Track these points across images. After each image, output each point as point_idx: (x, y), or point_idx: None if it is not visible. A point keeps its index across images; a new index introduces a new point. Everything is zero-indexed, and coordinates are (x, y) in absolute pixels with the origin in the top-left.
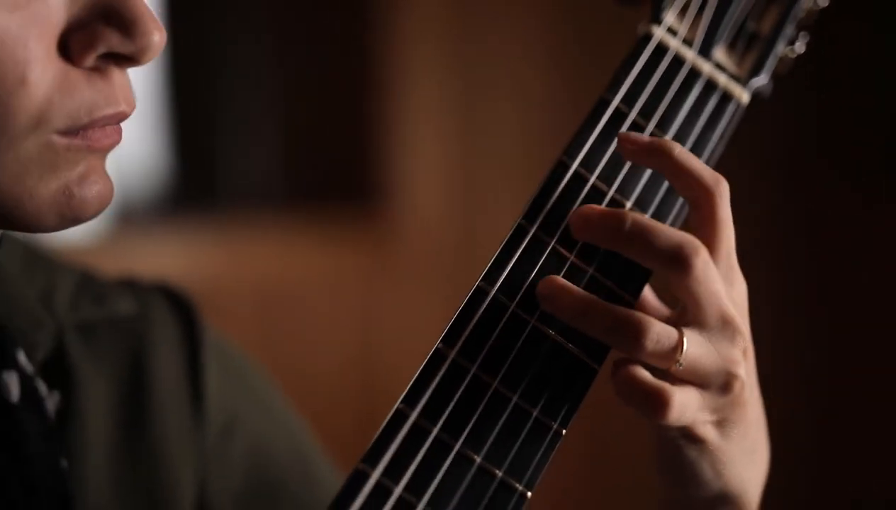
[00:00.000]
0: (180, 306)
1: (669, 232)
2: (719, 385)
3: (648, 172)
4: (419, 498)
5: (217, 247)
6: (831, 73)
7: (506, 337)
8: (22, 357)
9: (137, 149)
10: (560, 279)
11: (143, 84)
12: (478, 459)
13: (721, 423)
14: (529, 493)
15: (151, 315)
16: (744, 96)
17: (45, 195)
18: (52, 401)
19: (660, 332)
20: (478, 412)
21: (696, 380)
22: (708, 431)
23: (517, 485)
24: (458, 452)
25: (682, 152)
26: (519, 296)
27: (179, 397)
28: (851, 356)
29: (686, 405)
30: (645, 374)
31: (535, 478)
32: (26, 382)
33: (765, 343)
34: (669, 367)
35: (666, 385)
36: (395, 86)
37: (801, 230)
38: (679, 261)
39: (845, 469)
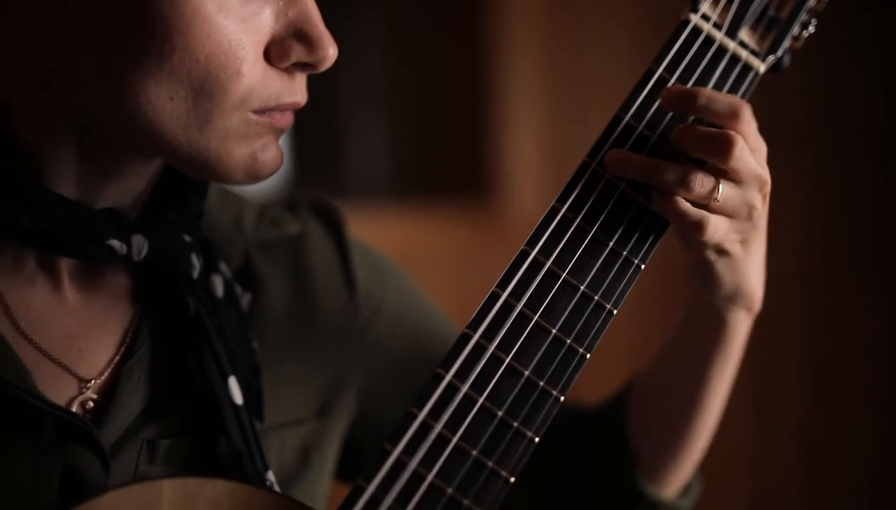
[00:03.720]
0: (329, 220)
1: (726, 98)
2: (744, 216)
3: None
4: (534, 312)
5: None
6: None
7: (602, 197)
8: (223, 266)
9: None
10: (622, 150)
11: None
12: (581, 287)
13: (743, 242)
14: (615, 311)
15: (310, 231)
16: (761, 67)
17: (238, 156)
18: (244, 299)
19: (703, 178)
20: (580, 250)
21: (726, 212)
22: (734, 247)
23: (607, 304)
24: (564, 279)
25: (705, 93)
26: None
27: (336, 292)
28: None
29: (718, 227)
30: (688, 205)
31: (620, 300)
32: (227, 283)
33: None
34: (709, 203)
35: (704, 212)
36: (498, 87)
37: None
38: (726, 141)
39: None
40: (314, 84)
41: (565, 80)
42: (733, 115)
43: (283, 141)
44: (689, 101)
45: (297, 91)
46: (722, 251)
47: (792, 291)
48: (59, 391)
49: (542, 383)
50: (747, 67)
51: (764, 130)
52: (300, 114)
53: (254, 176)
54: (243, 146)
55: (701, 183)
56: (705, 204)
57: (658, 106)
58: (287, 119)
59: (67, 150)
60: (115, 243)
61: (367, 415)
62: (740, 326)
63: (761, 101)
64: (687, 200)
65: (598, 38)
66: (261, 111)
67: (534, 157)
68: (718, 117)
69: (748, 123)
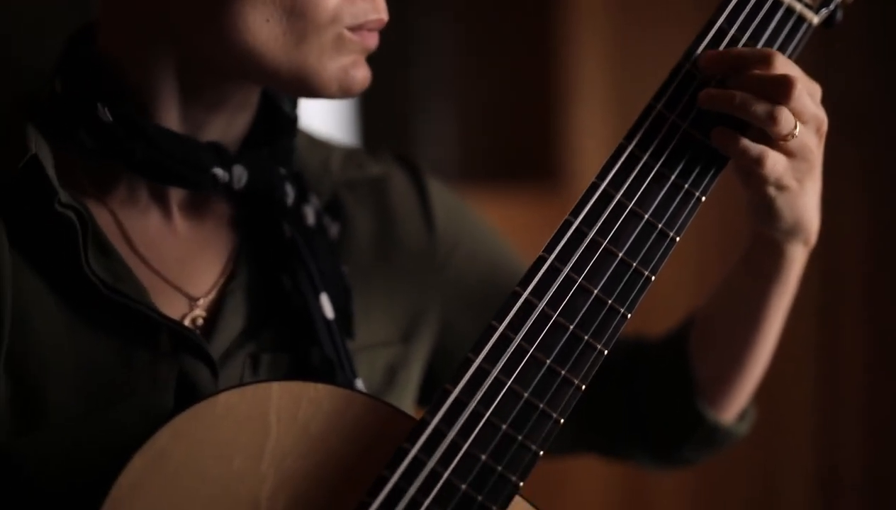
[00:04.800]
0: (410, 167)
1: (787, 61)
2: (803, 155)
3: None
4: (603, 238)
5: None
6: None
7: (666, 137)
8: (314, 198)
9: (331, 133)
10: (716, 88)
11: None
12: (646, 215)
13: (800, 179)
14: (678, 238)
15: (392, 174)
16: (814, 20)
17: (332, 71)
18: (333, 229)
19: (788, 115)
20: (645, 183)
21: (787, 151)
22: (792, 182)
23: (670, 232)
24: (631, 209)
25: (737, 52)
26: (677, 110)
27: (416, 230)
28: None
29: (777, 162)
30: (749, 142)
31: (683, 229)
32: (317, 213)
33: None
34: (786, 140)
35: (765, 148)
36: (567, 72)
37: None
38: (787, 82)
39: None
40: (385, 71)
41: (633, 65)
42: (767, 61)
43: (353, 126)
44: (729, 63)
45: (380, 8)
46: (781, 187)
47: (855, 275)
48: (171, 308)
49: (609, 301)
50: (801, 19)
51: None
52: (370, 100)
53: (346, 90)
54: (336, 61)
55: (787, 119)
56: (783, 141)
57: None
58: (374, 38)
59: (172, 87)
60: (219, 172)
61: (445, 346)
62: (797, 258)
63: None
64: (766, 135)
65: (666, 21)
66: (352, 28)
67: (602, 142)
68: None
69: (785, 65)
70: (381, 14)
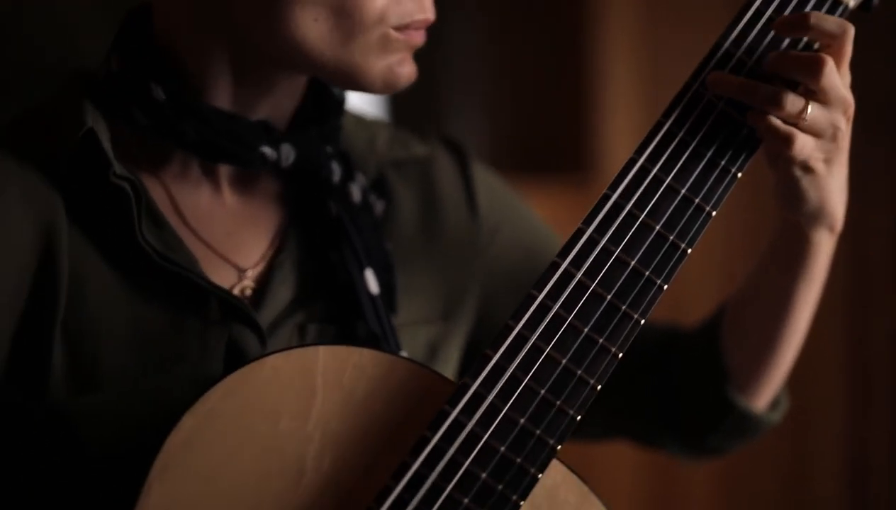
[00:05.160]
0: (456, 149)
1: (834, 18)
2: (829, 136)
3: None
4: (641, 211)
5: None
6: None
7: (703, 114)
8: (360, 176)
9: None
10: (722, 72)
11: None
12: (683, 190)
13: (827, 161)
14: (714, 213)
15: (437, 155)
16: (851, 2)
17: (377, 69)
18: (379, 206)
19: (793, 98)
20: (682, 159)
21: (813, 131)
22: (818, 165)
23: (707, 206)
24: (668, 184)
25: (815, 14)
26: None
27: (459, 211)
28: None
29: (805, 144)
30: (779, 122)
31: (718, 204)
32: (363, 191)
33: None
34: (798, 122)
35: (793, 129)
36: (597, 64)
37: None
38: (818, 60)
39: None
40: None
41: (662, 57)
42: (842, 32)
43: (383, 118)
44: (802, 23)
45: (426, 8)
46: (807, 168)
47: (883, 268)
48: (221, 278)
49: (647, 272)
50: (837, 1)
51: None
52: (400, 94)
53: (392, 86)
54: (382, 59)
55: (791, 102)
56: (795, 122)
57: (772, 32)
58: (420, 36)
59: (225, 71)
60: (267, 150)
61: (484, 326)
62: (823, 245)
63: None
64: (778, 118)
65: (696, 14)
66: (398, 28)
67: (631, 135)
68: (828, 35)
69: (850, 44)
70: (428, 14)
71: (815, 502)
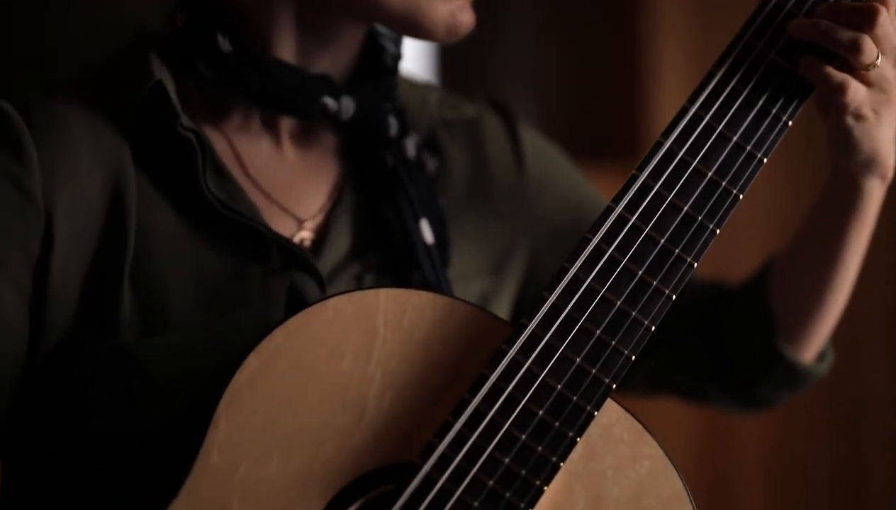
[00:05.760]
0: (503, 110)
1: None
2: (881, 86)
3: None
4: (693, 158)
5: None
6: None
7: (753, 64)
8: (414, 134)
9: None
10: (805, 18)
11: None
12: (734, 138)
13: (877, 110)
14: (765, 159)
15: (485, 116)
16: None
17: (441, 14)
18: (431, 164)
19: (871, 44)
20: (734, 108)
21: (866, 80)
22: (869, 114)
23: (758, 153)
24: (720, 132)
25: None
26: (765, 39)
27: (507, 169)
28: None
29: (858, 91)
30: (833, 70)
31: (770, 151)
32: (417, 147)
33: None
34: (868, 70)
35: (847, 76)
36: (651, 49)
37: None
38: (872, 10)
39: None
40: (465, 51)
41: (716, 41)
42: None
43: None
44: None
45: None
46: (859, 116)
47: None
48: (281, 228)
49: (699, 217)
50: None
51: None
52: (451, 81)
53: (453, 33)
54: (446, 5)
55: (870, 48)
56: (864, 71)
57: None
58: None
59: (289, 23)
60: (329, 102)
61: (533, 281)
62: (874, 193)
63: None
64: (848, 64)
65: None
66: None
67: None
68: None
69: None
70: None
71: (869, 475)
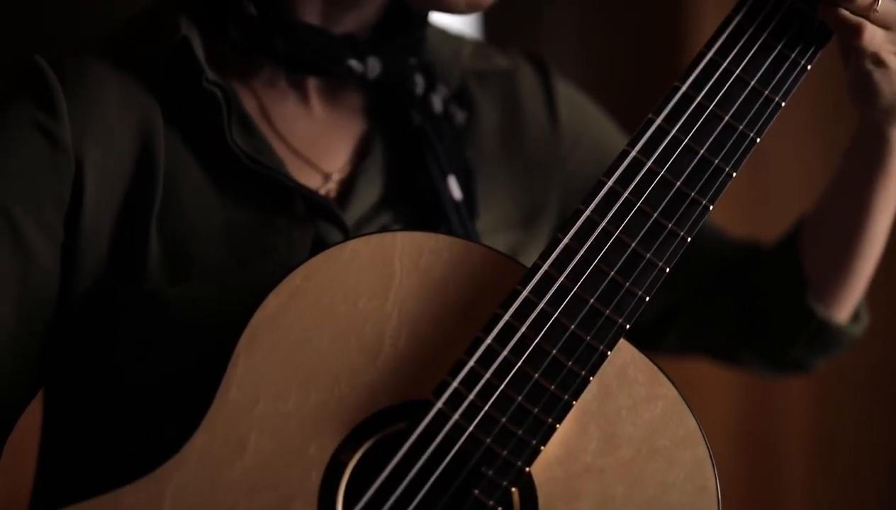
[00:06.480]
0: (537, 61)
1: None
2: None
3: None
4: (710, 102)
5: None
6: None
7: (772, 10)
8: (441, 87)
9: None
10: None
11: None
12: (752, 82)
13: None
14: (783, 104)
15: (519, 68)
16: None
17: None
18: (460, 116)
19: None
20: (752, 52)
21: (884, 23)
22: (890, 59)
23: (776, 97)
24: (736, 77)
25: None
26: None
27: (541, 122)
28: None
29: (874, 35)
30: (848, 13)
31: (788, 95)
32: (445, 102)
33: None
34: (868, 14)
35: (861, 19)
36: (692, 43)
37: None
38: None
39: None
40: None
41: None
42: None
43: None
44: None
45: None
46: (878, 61)
47: None
48: (307, 181)
49: (716, 160)
50: None
51: None
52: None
53: (474, 6)
54: None
55: None
56: (866, 14)
57: None
58: None
59: None
60: (354, 63)
61: None
62: None
63: None
64: (849, 10)
65: None
66: None
67: None
68: None
69: None
70: None
71: None
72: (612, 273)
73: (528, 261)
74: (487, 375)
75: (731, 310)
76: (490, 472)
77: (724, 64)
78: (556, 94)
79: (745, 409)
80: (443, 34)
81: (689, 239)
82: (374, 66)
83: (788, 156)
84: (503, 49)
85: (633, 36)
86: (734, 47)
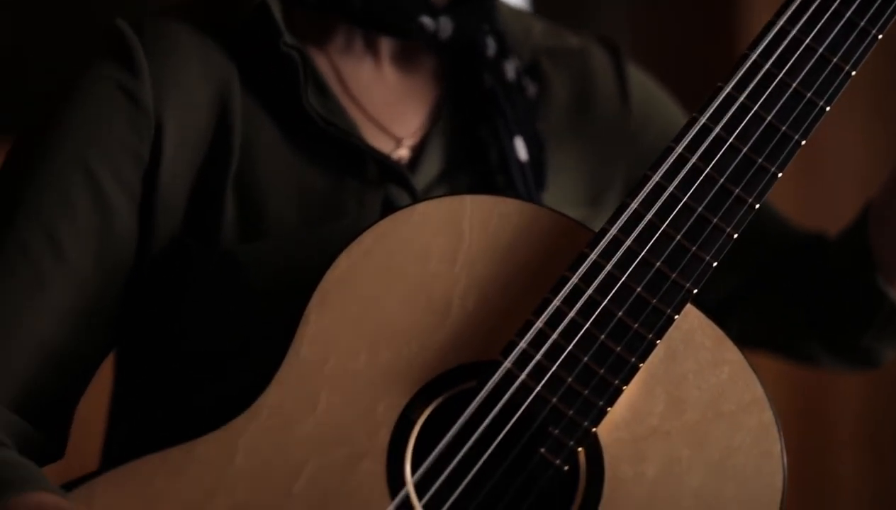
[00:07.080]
0: (610, 45)
1: None
2: None
3: None
4: (779, 70)
5: None
6: None
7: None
8: (514, 58)
9: None
10: None
11: None
12: (820, 49)
13: None
14: (853, 73)
15: (591, 48)
16: None
17: None
18: (532, 89)
19: None
20: (822, 20)
21: None
22: None
23: (846, 66)
24: (806, 45)
25: None
26: None
27: (612, 102)
28: None
29: None
30: None
31: (858, 64)
32: (518, 71)
33: None
34: None
35: None
36: (744, 39)
37: None
38: None
39: None
40: None
41: None
42: None
43: None
44: None
45: None
46: None
47: None
48: (379, 144)
49: (784, 128)
50: None
51: None
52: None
53: None
54: None
55: None
56: None
57: None
58: None
59: None
60: (427, 21)
61: None
62: None
63: None
64: None
65: None
66: None
67: None
68: None
69: None
70: None
71: None
72: (679, 237)
73: None
74: (555, 336)
75: (797, 299)
76: (557, 432)
77: (793, 32)
78: (628, 76)
79: (795, 409)
80: (514, 12)
81: (756, 205)
82: (445, 26)
83: (849, 142)
84: (573, 30)
85: (683, 29)
86: (803, 15)
